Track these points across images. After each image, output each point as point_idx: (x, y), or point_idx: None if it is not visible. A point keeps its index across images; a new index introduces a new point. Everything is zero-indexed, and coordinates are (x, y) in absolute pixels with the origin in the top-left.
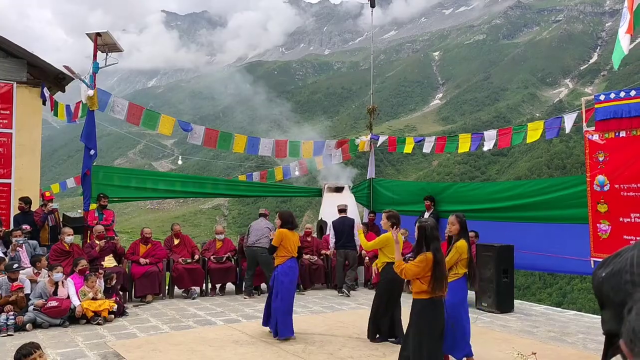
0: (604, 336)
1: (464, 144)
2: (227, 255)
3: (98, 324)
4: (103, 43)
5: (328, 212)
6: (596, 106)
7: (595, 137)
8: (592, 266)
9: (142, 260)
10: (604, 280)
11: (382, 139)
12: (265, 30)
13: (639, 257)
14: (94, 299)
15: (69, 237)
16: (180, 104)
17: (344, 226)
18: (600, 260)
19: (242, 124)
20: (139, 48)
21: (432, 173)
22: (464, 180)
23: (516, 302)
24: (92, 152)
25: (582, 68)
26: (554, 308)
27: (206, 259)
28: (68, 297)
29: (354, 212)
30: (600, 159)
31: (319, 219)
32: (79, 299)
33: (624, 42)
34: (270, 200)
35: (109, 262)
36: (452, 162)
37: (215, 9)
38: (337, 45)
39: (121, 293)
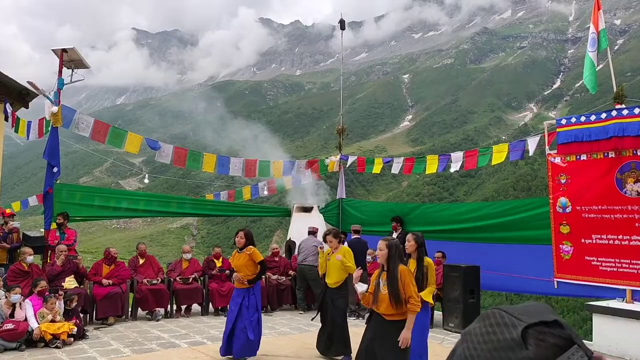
0: None
1: (432, 165)
2: (193, 275)
3: (57, 347)
4: (69, 59)
5: (297, 232)
6: (558, 130)
7: (558, 160)
8: (556, 287)
9: (104, 281)
10: None
11: (351, 159)
12: (237, 50)
13: (468, 348)
14: (52, 321)
15: (30, 257)
16: (150, 122)
17: (357, 247)
18: (564, 280)
19: (212, 143)
20: (108, 65)
21: (402, 194)
22: (433, 201)
23: None
24: (55, 169)
25: (545, 93)
26: None
27: (172, 279)
28: (25, 319)
29: (323, 231)
30: (563, 181)
31: (288, 238)
32: (37, 321)
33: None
34: (240, 219)
35: (70, 283)
36: (421, 183)
37: (186, 27)
38: (308, 66)
39: (82, 315)
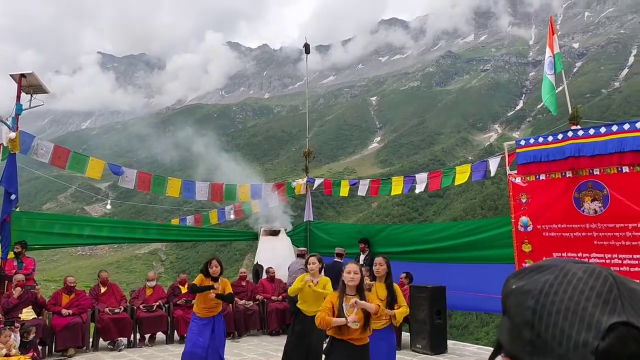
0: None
1: (397, 186)
2: (157, 303)
3: None
4: (28, 84)
5: (264, 255)
6: (517, 151)
7: (518, 180)
8: None
9: (64, 311)
10: (512, 292)
11: (318, 181)
12: (205, 73)
13: (551, 285)
14: (7, 355)
15: None
16: (117, 146)
17: (334, 270)
18: None
19: (180, 166)
20: (73, 89)
21: (372, 215)
22: (403, 221)
23: (450, 342)
24: (12, 196)
25: (509, 114)
26: (486, 347)
27: (135, 307)
28: None
29: (291, 254)
30: (523, 200)
31: (255, 262)
32: None
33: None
34: (210, 244)
35: (27, 314)
36: (391, 204)
37: (153, 51)
38: (276, 89)
39: (40, 347)
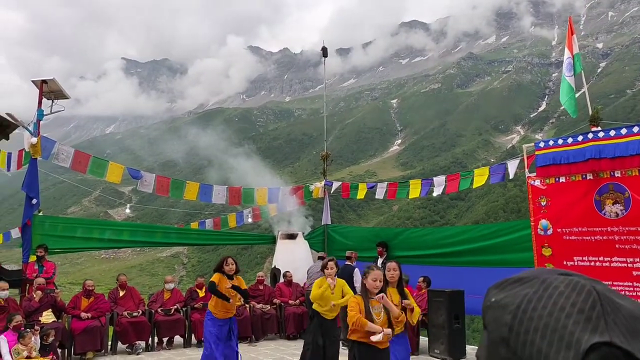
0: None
1: (415, 189)
2: (175, 306)
3: None
4: (49, 90)
5: (281, 259)
6: (536, 153)
7: (537, 183)
8: None
9: (83, 315)
10: (490, 306)
11: (335, 185)
12: (227, 77)
13: (530, 300)
14: (28, 357)
15: (3, 292)
16: (140, 151)
17: (344, 274)
18: None
19: (202, 170)
20: (97, 95)
21: (393, 218)
22: (424, 224)
23: (469, 347)
24: (34, 201)
25: (532, 116)
26: None
27: (153, 311)
28: (0, 356)
29: (308, 258)
30: (543, 203)
31: (273, 266)
32: (12, 358)
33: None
34: (231, 247)
35: (47, 317)
36: (412, 207)
37: (175, 56)
38: (297, 93)
39: (59, 350)
